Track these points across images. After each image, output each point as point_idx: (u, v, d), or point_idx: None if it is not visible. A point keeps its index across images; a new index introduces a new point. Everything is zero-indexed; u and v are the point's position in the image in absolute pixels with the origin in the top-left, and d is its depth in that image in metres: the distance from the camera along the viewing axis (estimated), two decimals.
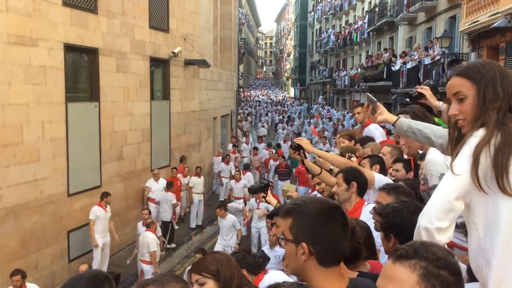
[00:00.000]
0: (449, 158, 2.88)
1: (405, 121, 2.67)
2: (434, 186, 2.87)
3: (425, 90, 3.60)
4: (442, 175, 2.84)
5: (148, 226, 9.56)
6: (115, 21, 10.93)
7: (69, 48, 9.48)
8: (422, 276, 1.25)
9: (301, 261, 1.69)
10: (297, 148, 4.13)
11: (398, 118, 2.69)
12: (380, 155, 4.67)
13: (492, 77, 1.86)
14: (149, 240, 9.35)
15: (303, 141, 4.21)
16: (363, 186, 3.67)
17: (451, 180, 1.81)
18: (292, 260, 1.73)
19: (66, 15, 9.26)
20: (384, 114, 2.79)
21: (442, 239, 1.79)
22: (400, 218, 2.32)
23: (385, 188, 3.12)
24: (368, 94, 2.99)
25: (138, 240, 9.75)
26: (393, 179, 4.14)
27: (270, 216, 4.13)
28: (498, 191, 1.72)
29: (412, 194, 3.08)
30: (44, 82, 8.76)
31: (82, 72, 10.55)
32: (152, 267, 9.41)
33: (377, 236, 3.09)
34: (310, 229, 1.69)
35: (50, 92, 8.93)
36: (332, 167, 4.68)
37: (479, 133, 1.79)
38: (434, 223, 1.78)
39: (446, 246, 1.83)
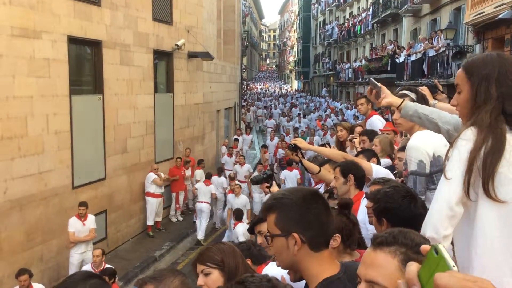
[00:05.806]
0: (433, 146, 2.89)
1: (411, 105, 2.60)
2: (413, 172, 2.88)
3: (424, 90, 3.61)
4: (420, 161, 2.85)
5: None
6: (119, 13, 10.91)
7: (72, 41, 9.47)
8: (403, 261, 1.27)
9: (294, 252, 1.69)
10: (295, 148, 4.13)
11: (402, 101, 2.63)
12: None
13: (487, 75, 1.80)
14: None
15: (297, 140, 4.26)
16: (360, 178, 3.70)
17: (446, 186, 1.80)
18: (284, 254, 1.72)
19: (69, 8, 9.25)
20: (388, 97, 2.72)
21: (446, 244, 1.79)
22: (391, 203, 2.31)
23: (380, 182, 3.12)
24: (371, 78, 2.96)
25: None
26: (394, 172, 4.11)
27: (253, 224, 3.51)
28: (484, 195, 1.73)
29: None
30: (48, 74, 8.77)
31: (85, 64, 10.55)
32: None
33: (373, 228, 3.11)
34: (297, 218, 1.69)
35: (54, 85, 8.94)
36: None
37: (467, 136, 1.77)
38: (440, 232, 1.78)
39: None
